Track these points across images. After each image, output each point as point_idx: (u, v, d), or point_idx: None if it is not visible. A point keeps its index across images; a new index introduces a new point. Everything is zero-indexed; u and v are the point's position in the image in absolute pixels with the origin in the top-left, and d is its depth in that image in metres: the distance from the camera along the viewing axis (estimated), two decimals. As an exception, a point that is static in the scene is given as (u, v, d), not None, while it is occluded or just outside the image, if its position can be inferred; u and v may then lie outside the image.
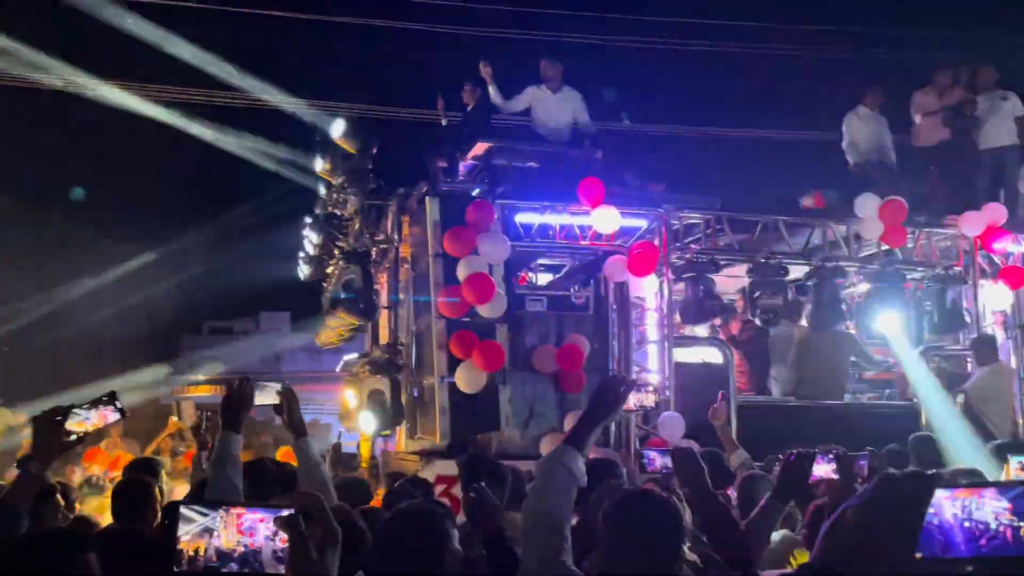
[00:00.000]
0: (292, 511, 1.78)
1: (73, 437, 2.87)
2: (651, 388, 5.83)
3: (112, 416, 2.99)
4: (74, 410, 2.88)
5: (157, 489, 4.17)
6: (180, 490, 7.93)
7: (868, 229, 8.32)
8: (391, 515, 2.57)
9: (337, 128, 8.01)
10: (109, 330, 19.98)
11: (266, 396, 3.26)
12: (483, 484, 2.85)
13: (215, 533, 1.78)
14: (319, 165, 8.52)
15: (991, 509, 1.57)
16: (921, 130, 9.37)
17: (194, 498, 2.02)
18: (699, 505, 2.77)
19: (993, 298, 8.78)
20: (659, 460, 3.41)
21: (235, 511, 1.80)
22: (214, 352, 26.29)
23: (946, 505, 1.59)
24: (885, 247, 8.56)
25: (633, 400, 6.64)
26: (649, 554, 2.14)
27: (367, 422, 7.53)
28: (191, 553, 1.76)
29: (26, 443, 11.12)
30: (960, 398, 7.51)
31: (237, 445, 2.96)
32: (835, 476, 3.17)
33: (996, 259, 8.74)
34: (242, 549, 1.77)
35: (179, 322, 26.75)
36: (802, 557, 3.17)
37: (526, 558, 2.20)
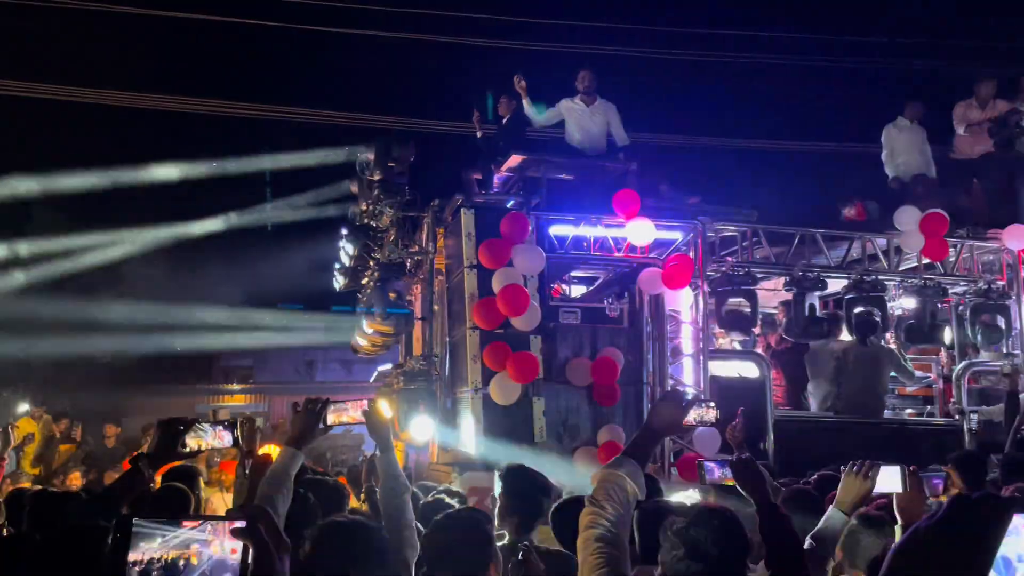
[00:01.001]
0: (245, 523, 1.80)
1: (187, 450, 2.95)
2: (712, 404, 5.76)
3: (227, 439, 3.07)
4: (197, 425, 2.96)
5: (194, 498, 4.22)
6: (215, 499, 8.02)
7: (909, 242, 8.19)
8: (438, 522, 2.58)
9: (371, 148, 8.12)
10: (148, 342, 20.31)
11: (341, 414, 3.29)
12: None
13: (167, 546, 1.78)
14: (356, 177, 8.61)
15: None
16: (962, 142, 9.22)
17: (146, 511, 2.05)
18: (761, 518, 2.73)
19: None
20: (718, 471, 3.35)
21: (188, 524, 1.81)
22: (248, 361, 26.60)
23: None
24: (926, 260, 8.42)
25: (693, 415, 6.58)
26: (713, 569, 2.12)
27: (421, 429, 7.39)
28: (143, 567, 1.77)
29: (64, 448, 11.36)
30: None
31: (297, 463, 3.01)
32: (901, 490, 3.06)
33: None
34: (195, 562, 1.78)
35: (214, 333, 27.11)
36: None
37: (583, 572, 2.18)
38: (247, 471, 3.67)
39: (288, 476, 2.99)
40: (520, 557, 2.73)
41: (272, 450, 4.21)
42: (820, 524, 2.79)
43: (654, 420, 2.43)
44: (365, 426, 3.33)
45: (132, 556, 1.76)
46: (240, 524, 1.80)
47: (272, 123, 15.47)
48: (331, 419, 3.22)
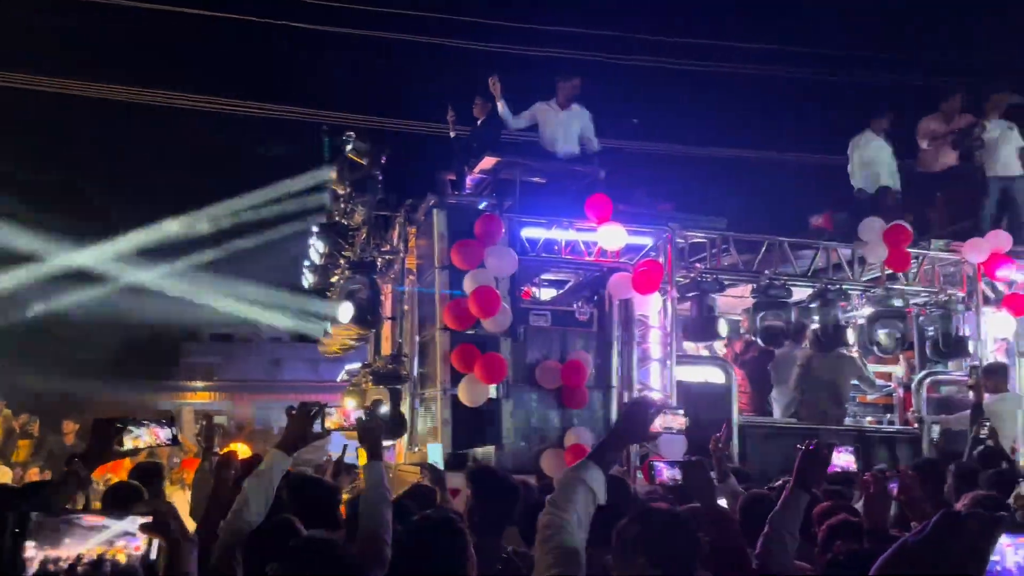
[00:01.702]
0: (151, 518, 1.80)
1: (124, 448, 2.92)
2: (680, 411, 5.81)
3: (164, 436, 3.04)
4: (130, 425, 2.93)
5: (147, 494, 4.12)
6: (177, 498, 7.93)
7: (872, 253, 8.34)
8: (413, 524, 2.58)
9: (348, 141, 8.07)
10: (111, 336, 20.00)
11: (330, 420, 3.29)
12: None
13: (66, 541, 1.78)
14: (327, 174, 8.57)
15: None
16: (927, 156, 9.42)
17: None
18: (706, 521, 2.77)
19: (996, 325, 8.77)
20: (667, 472, 3.41)
21: (90, 519, 1.81)
22: (214, 359, 26.31)
23: (1008, 553, 1.54)
24: (888, 271, 8.58)
25: (660, 422, 6.64)
26: (664, 572, 2.14)
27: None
28: (41, 561, 1.76)
29: (23, 444, 11.13)
30: (985, 430, 7.47)
31: (284, 467, 3.02)
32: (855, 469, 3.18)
33: (999, 286, 8.75)
34: (94, 557, 1.77)
35: (181, 328, 26.76)
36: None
37: (538, 571, 2.19)
38: (211, 469, 3.64)
39: (271, 480, 2.98)
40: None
41: (238, 449, 4.19)
42: (779, 506, 2.81)
43: (622, 426, 2.45)
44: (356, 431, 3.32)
45: (56, 552, 1.74)
46: (147, 520, 1.79)
47: (244, 119, 15.33)
48: (328, 424, 3.22)
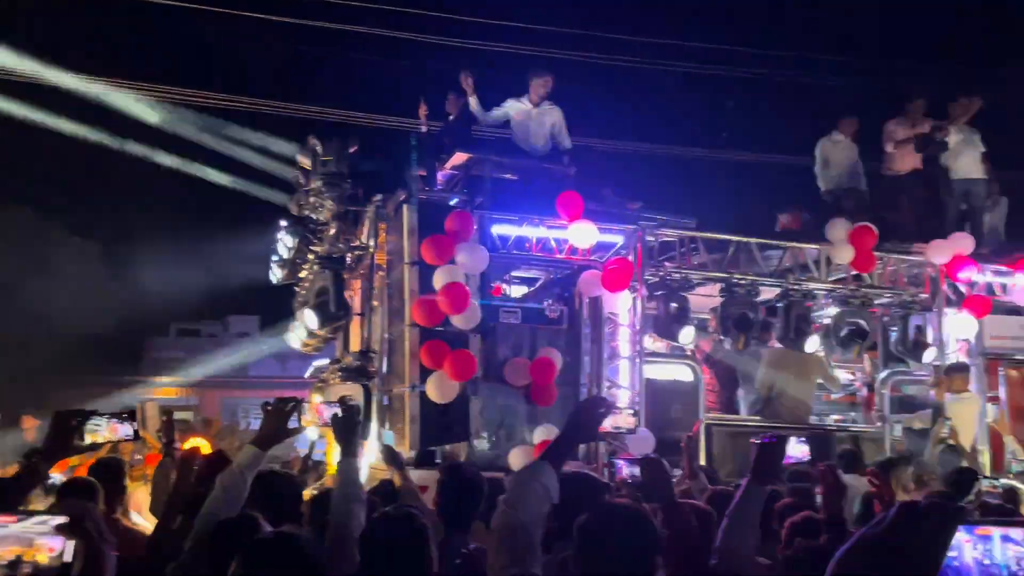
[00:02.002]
0: (67, 518, 1.78)
1: (85, 443, 2.87)
2: (633, 412, 5.86)
3: (123, 432, 2.99)
4: (92, 418, 2.87)
5: (104, 492, 4.05)
6: (140, 494, 7.80)
7: (838, 253, 8.45)
8: (374, 522, 2.55)
9: (313, 144, 8.01)
10: (74, 330, 19.64)
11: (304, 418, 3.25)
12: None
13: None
14: (296, 168, 8.48)
15: (1013, 554, 1.53)
16: (893, 159, 9.55)
17: None
18: (664, 518, 2.78)
19: (957, 326, 8.93)
20: (627, 469, 3.44)
21: (4, 519, 1.78)
22: (180, 355, 25.94)
23: (967, 548, 1.54)
24: (854, 272, 8.70)
25: (610, 422, 6.70)
26: (625, 568, 2.15)
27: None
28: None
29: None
30: (946, 429, 7.61)
31: (259, 464, 2.98)
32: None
33: (961, 288, 8.91)
34: (11, 558, 1.75)
35: (145, 324, 26.34)
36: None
37: (493, 572, 2.18)
38: (171, 465, 3.59)
39: (244, 476, 2.94)
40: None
41: (200, 444, 4.13)
42: (737, 501, 2.82)
43: (572, 426, 2.45)
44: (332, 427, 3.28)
45: None
46: (63, 521, 1.76)
47: (214, 111, 15.12)
48: (304, 420, 3.18)
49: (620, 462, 3.49)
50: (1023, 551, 1.40)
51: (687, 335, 7.95)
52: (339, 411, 3.34)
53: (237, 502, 2.90)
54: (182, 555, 2.77)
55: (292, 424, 3.12)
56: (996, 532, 1.51)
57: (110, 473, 4.35)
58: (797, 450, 3.35)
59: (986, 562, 1.49)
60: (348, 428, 3.27)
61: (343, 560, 2.71)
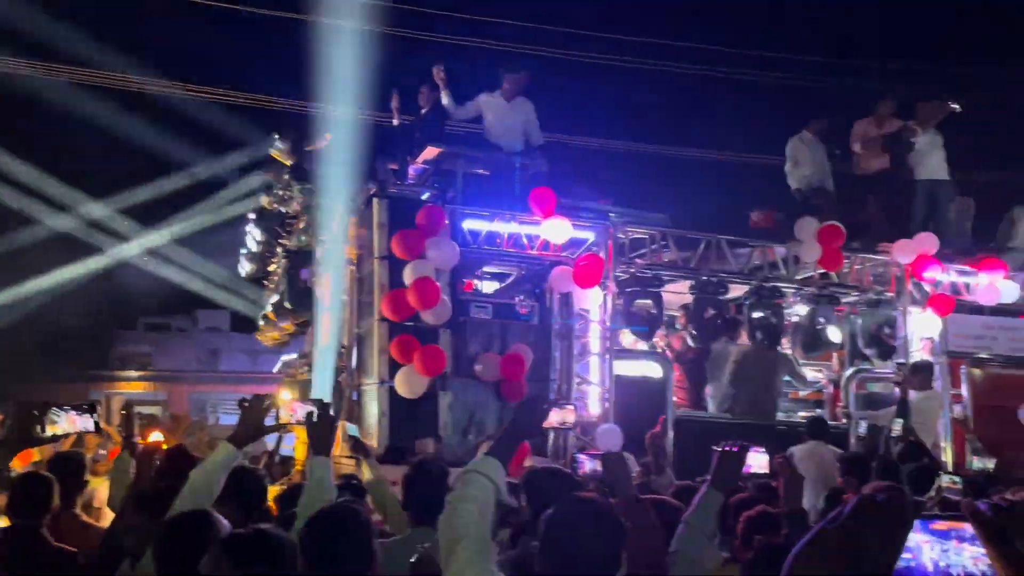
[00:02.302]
0: None
1: (46, 435, 2.81)
2: (571, 407, 5.90)
3: (82, 424, 2.93)
4: (52, 410, 2.82)
5: (59, 488, 3.97)
6: (103, 490, 7.68)
7: (806, 252, 8.53)
8: (314, 518, 2.52)
9: (274, 143, 7.93)
10: (39, 324, 19.31)
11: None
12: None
13: None
14: (266, 162, 8.40)
15: (969, 555, 1.53)
16: (861, 159, 9.66)
17: None
18: (625, 513, 2.79)
19: (922, 325, 9.06)
20: (589, 464, 3.46)
21: None
22: (147, 348, 25.61)
23: (924, 549, 1.53)
24: (822, 270, 8.79)
25: (555, 418, 6.77)
26: (590, 562, 2.14)
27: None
28: None
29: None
30: (898, 427, 7.71)
31: (233, 462, 2.94)
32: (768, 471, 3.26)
33: (926, 287, 9.04)
34: None
35: (113, 317, 25.95)
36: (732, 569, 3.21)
37: (446, 570, 2.16)
38: (131, 459, 3.53)
39: (218, 474, 2.89)
40: (417, 558, 2.71)
41: (160, 439, 4.06)
42: (694, 506, 2.84)
43: (517, 422, 2.43)
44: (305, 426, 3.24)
45: None
46: None
47: (182, 103, 14.91)
48: (283, 418, 3.14)
49: (582, 457, 3.51)
50: (979, 551, 1.40)
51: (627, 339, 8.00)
52: (315, 411, 3.29)
53: (208, 499, 2.86)
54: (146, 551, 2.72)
55: (270, 422, 3.09)
56: (953, 527, 1.51)
57: (68, 468, 4.25)
58: (757, 460, 3.43)
59: (943, 564, 1.49)
60: (323, 429, 3.23)
61: None
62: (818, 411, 9.06)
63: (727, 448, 2.92)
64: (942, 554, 1.51)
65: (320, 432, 3.19)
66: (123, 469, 3.82)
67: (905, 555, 1.53)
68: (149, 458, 3.23)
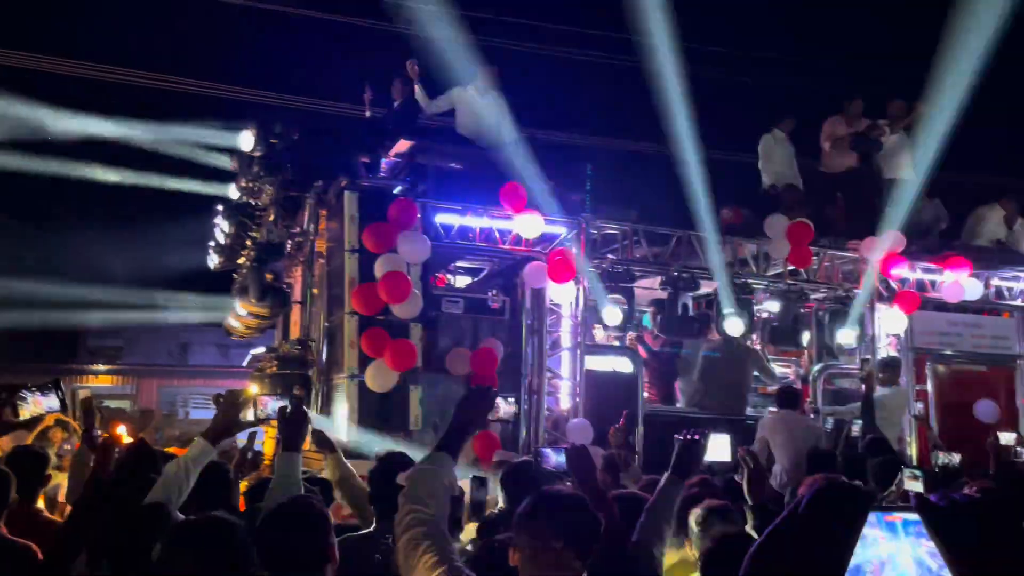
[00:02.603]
0: None
1: (21, 419, 2.77)
2: (511, 399, 5.98)
3: (48, 404, 2.89)
4: (20, 392, 2.78)
5: (16, 482, 3.90)
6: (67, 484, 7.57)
7: (776, 248, 8.61)
8: (269, 514, 2.50)
9: (244, 139, 7.83)
10: (6, 319, 18.96)
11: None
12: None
13: None
14: (235, 152, 8.30)
15: (926, 550, 1.55)
16: (829, 157, 9.77)
17: None
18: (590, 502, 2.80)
19: (889, 322, 9.18)
20: (554, 458, 3.47)
21: None
22: (117, 341, 25.23)
23: (881, 543, 1.54)
24: (791, 267, 8.87)
25: (504, 409, 6.88)
26: (563, 553, 2.15)
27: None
28: None
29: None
30: (856, 425, 7.81)
31: (206, 458, 2.93)
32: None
33: (893, 284, 9.17)
34: None
35: (80, 310, 25.54)
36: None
37: (407, 569, 2.15)
38: (89, 451, 3.48)
39: (192, 470, 2.87)
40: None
41: (121, 432, 4.00)
42: (656, 494, 2.88)
43: (464, 415, 2.42)
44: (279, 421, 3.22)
45: None
46: None
47: (150, 92, 14.69)
48: (251, 415, 3.11)
49: (547, 451, 3.52)
50: (932, 548, 1.41)
51: (612, 316, 7.96)
52: (288, 407, 3.26)
53: (179, 496, 2.84)
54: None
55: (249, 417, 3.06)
56: (912, 525, 1.52)
57: (28, 463, 4.18)
58: (718, 451, 3.50)
59: (899, 557, 1.51)
60: (295, 425, 3.20)
61: None
62: (787, 380, 9.13)
63: (688, 437, 2.97)
64: (898, 548, 1.52)
65: (291, 428, 3.17)
66: (82, 463, 3.76)
67: (860, 549, 1.54)
68: (108, 451, 3.18)
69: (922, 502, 1.17)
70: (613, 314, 7.87)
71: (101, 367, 25.19)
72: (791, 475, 6.70)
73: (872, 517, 1.58)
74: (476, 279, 9.23)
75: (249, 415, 3.16)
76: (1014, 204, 10.22)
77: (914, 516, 1.59)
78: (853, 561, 1.47)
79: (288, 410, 3.23)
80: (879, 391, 8.43)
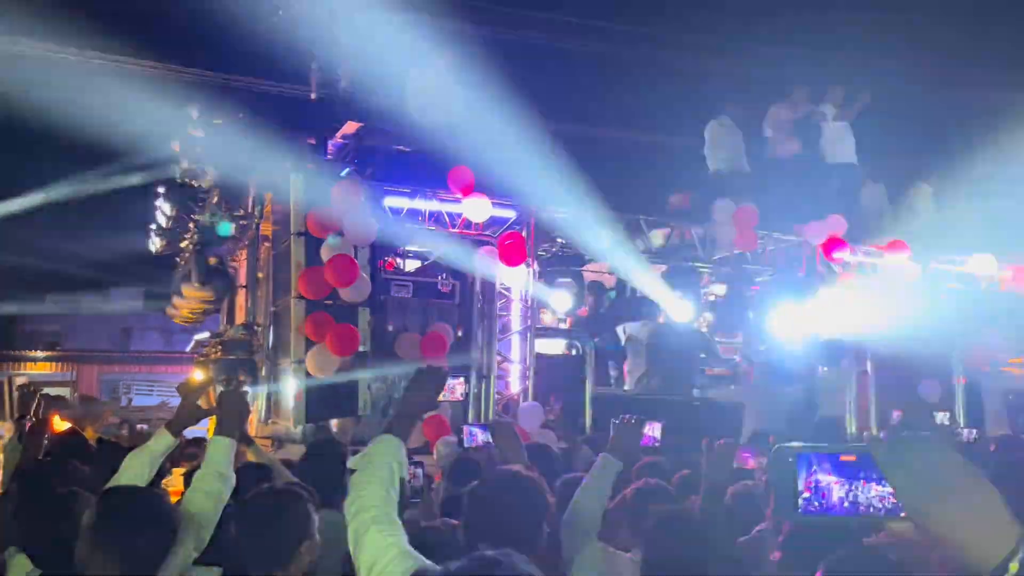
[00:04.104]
0: None
1: None
2: (460, 379, 6.07)
3: None
4: None
5: None
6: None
7: (722, 232, 8.73)
8: (253, 496, 2.48)
9: (196, 108, 7.63)
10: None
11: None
12: None
13: None
14: (177, 133, 8.08)
15: (875, 493, 1.58)
16: (774, 143, 9.91)
17: None
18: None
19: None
20: (481, 436, 3.50)
21: None
22: (56, 326, 24.50)
23: (835, 488, 1.57)
24: (737, 250, 9.01)
25: (459, 391, 6.94)
26: (511, 533, 2.16)
27: None
28: None
29: None
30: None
31: (167, 446, 2.87)
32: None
33: (835, 267, 9.37)
34: None
35: (17, 295, 24.72)
36: None
37: (358, 553, 2.13)
38: (20, 436, 3.37)
39: (152, 458, 2.80)
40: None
41: (59, 421, 3.90)
42: (591, 473, 2.91)
43: (413, 396, 2.40)
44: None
45: None
46: None
47: (85, 69, 14.15)
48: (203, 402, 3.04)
49: (474, 429, 3.54)
50: (885, 491, 1.46)
51: (561, 302, 8.00)
52: (225, 387, 3.21)
53: (142, 484, 2.77)
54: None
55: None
56: (860, 469, 1.55)
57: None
58: (652, 431, 3.67)
59: (849, 500, 1.54)
60: (230, 409, 3.12)
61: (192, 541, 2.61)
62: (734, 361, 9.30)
63: (625, 419, 3.03)
64: (849, 492, 1.57)
65: (225, 413, 3.10)
66: (16, 448, 3.65)
67: (814, 494, 1.57)
68: (37, 436, 3.08)
69: (872, 440, 1.25)
70: (562, 300, 7.91)
71: (39, 354, 24.48)
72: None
73: (828, 464, 1.61)
74: (425, 263, 9.17)
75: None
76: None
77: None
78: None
79: (227, 393, 3.17)
80: (822, 370, 8.68)
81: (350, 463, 2.18)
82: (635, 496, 3.05)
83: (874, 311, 9.52)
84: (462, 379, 7.45)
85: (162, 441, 2.84)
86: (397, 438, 2.23)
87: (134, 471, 2.75)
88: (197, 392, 2.97)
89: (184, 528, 2.40)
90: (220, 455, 2.89)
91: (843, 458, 1.49)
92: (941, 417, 8.85)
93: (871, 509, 1.44)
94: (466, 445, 3.60)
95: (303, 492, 2.56)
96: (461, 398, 7.41)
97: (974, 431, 7.27)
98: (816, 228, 9.01)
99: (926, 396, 9.17)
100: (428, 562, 1.88)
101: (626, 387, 8.94)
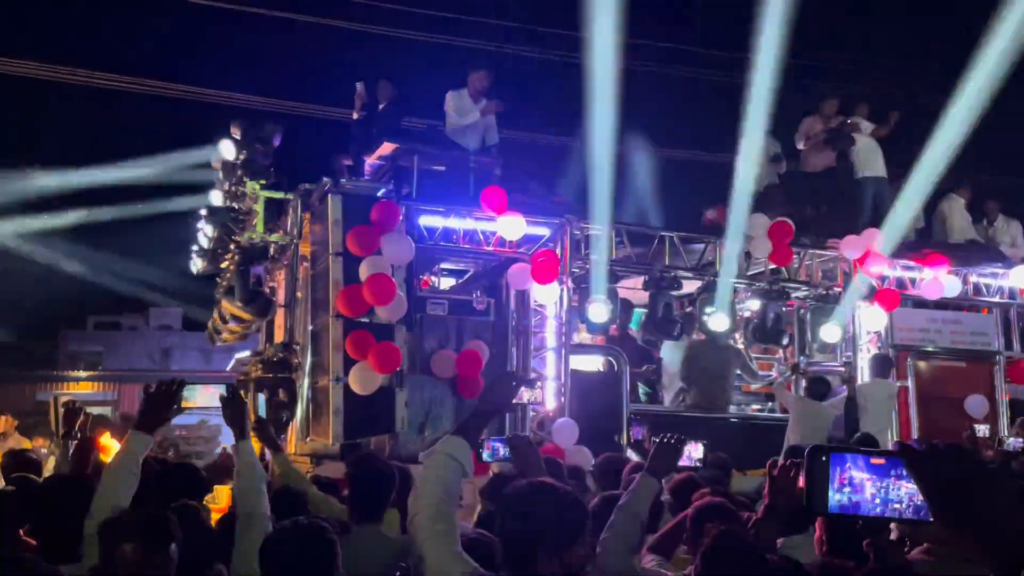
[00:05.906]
0: None
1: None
2: (540, 384, 6.00)
3: None
4: None
5: None
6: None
7: (757, 248, 8.69)
8: (275, 535, 2.51)
9: (236, 131, 7.82)
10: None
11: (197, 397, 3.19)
12: None
13: None
14: (219, 155, 8.27)
15: (905, 491, 1.60)
16: (807, 156, 9.87)
17: None
18: None
19: (869, 319, 9.28)
20: (503, 450, 3.51)
21: None
22: (97, 347, 25.01)
23: (867, 485, 1.58)
24: (772, 266, 8.96)
25: (527, 396, 6.90)
26: (548, 542, 2.17)
27: None
28: None
29: None
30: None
31: (145, 447, 2.94)
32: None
33: (872, 282, 9.27)
34: None
35: (61, 316, 25.31)
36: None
37: (422, 551, 2.17)
38: (68, 455, 3.47)
39: (134, 461, 2.88)
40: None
41: (108, 439, 3.99)
42: (629, 492, 2.90)
43: (487, 397, 2.45)
44: (221, 415, 3.24)
45: None
46: None
47: (133, 96, 14.59)
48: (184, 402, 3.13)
49: (496, 443, 3.55)
50: (914, 488, 1.47)
51: (598, 312, 7.97)
52: (223, 393, 3.29)
53: (129, 489, 2.85)
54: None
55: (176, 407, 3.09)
56: (892, 468, 1.57)
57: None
58: (695, 453, 3.69)
59: (881, 498, 1.56)
60: (236, 411, 3.22)
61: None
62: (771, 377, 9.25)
63: (666, 439, 3.02)
64: (881, 489, 1.59)
65: (236, 417, 3.19)
66: (62, 468, 3.75)
67: (848, 490, 1.59)
68: (85, 453, 3.18)
69: (903, 447, 1.27)
70: (599, 311, 7.89)
71: (81, 374, 24.98)
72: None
73: (860, 463, 1.62)
74: (460, 281, 9.25)
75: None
76: (970, 191, 10.42)
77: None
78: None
79: (225, 398, 3.25)
80: (864, 382, 8.57)
81: (421, 456, 2.25)
82: (696, 514, 3.03)
83: (914, 326, 9.40)
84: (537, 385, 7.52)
85: (139, 442, 2.93)
86: (464, 439, 2.27)
87: (119, 479, 2.82)
88: (168, 394, 3.04)
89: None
90: (250, 459, 2.98)
91: (874, 460, 1.51)
92: (981, 431, 8.68)
93: (902, 506, 1.46)
94: (487, 459, 3.61)
95: (326, 524, 2.58)
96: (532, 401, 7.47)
97: (1020, 441, 7.12)
98: (852, 242, 8.93)
99: (973, 412, 9.01)
100: (476, 564, 1.92)
101: (665, 404, 8.90)
